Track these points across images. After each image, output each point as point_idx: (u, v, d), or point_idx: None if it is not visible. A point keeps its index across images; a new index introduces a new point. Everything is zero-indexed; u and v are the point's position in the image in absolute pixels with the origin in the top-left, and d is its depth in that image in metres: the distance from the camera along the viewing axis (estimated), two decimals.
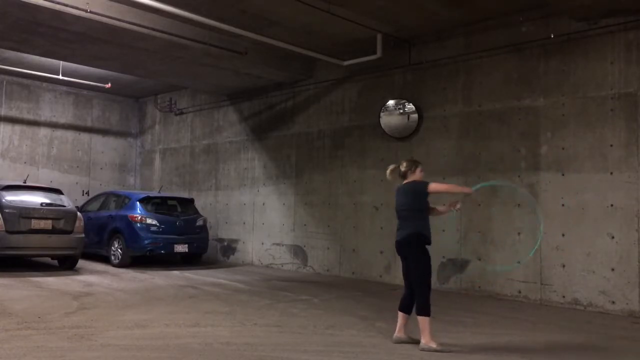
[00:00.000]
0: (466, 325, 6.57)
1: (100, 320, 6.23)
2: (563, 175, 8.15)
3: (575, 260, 7.98)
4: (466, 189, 5.88)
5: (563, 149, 8.24)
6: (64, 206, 10.60)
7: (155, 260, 12.33)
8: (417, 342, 5.37)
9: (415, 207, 5.52)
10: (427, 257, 5.49)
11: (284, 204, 12.14)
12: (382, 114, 10.26)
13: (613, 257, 7.67)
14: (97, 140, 15.57)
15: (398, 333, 5.59)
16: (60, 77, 13.04)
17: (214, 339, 5.55)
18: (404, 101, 10.02)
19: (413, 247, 5.49)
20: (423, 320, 5.29)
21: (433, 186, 5.51)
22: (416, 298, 5.40)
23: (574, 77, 8.21)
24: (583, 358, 5.37)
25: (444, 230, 9.15)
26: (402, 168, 5.71)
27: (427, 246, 5.52)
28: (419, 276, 5.44)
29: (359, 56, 10.14)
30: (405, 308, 5.55)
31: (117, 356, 4.83)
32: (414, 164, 5.72)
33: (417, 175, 5.66)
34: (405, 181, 5.70)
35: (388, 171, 5.77)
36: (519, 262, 8.34)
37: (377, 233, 10.39)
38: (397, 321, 5.61)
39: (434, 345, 5.20)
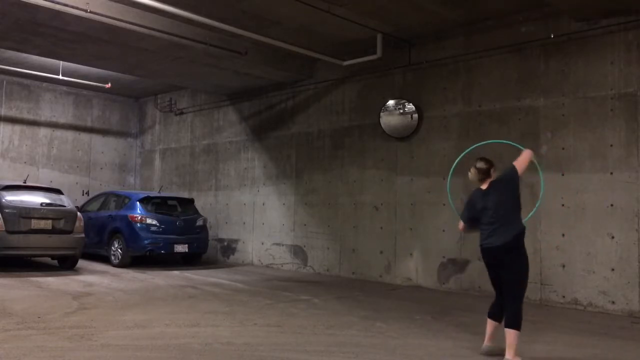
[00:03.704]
0: (467, 326, 6.57)
1: (100, 320, 6.23)
2: (563, 175, 8.15)
3: (575, 260, 7.99)
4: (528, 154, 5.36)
5: (563, 149, 8.24)
6: (64, 206, 10.60)
7: (155, 260, 12.33)
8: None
9: (515, 197, 5.04)
10: (528, 263, 5.06)
11: (284, 204, 12.14)
12: (382, 113, 10.26)
13: (613, 257, 7.67)
14: (97, 140, 15.57)
15: (488, 342, 5.15)
16: (60, 77, 13.04)
17: (214, 339, 5.55)
18: (404, 101, 10.02)
19: (514, 253, 4.95)
20: (512, 334, 4.77)
21: (521, 167, 5.12)
22: (508, 308, 4.90)
23: (574, 77, 8.21)
24: (583, 358, 5.37)
25: (444, 231, 9.13)
26: (485, 166, 5.17)
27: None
28: (518, 285, 4.94)
29: (359, 56, 10.14)
30: (494, 315, 5.11)
31: (117, 356, 4.83)
32: (492, 163, 5.22)
33: (493, 177, 5.20)
34: (489, 180, 5.18)
35: (473, 175, 5.21)
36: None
37: (377, 233, 10.39)
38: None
39: None
